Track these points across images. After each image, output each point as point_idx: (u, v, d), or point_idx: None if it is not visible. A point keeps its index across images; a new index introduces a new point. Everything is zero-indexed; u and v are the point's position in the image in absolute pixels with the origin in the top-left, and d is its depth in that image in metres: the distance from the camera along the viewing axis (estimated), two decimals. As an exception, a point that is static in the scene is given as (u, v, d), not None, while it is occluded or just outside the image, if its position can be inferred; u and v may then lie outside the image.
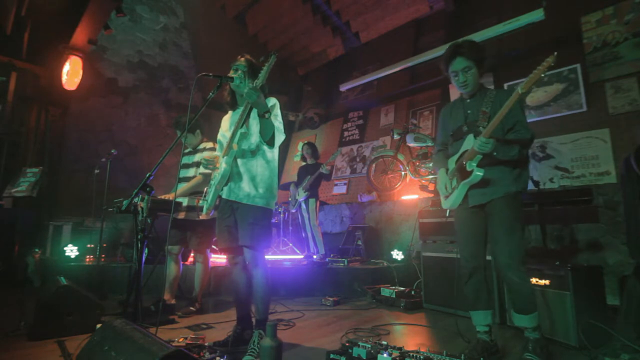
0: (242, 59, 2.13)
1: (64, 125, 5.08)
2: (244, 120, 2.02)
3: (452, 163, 2.05)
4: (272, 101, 2.07)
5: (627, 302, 2.08)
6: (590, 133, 3.90)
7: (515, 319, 1.88)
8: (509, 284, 1.88)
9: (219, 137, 2.25)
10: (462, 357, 1.52)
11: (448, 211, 2.27)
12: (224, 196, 2.06)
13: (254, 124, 2.03)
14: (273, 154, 2.11)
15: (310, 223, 4.78)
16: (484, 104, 1.95)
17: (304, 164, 5.15)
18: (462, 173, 1.93)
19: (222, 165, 2.00)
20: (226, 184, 2.04)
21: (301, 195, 4.77)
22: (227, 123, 2.23)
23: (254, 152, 2.05)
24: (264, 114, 1.91)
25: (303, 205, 4.86)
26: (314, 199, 4.80)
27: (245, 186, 2.00)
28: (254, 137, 2.04)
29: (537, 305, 1.85)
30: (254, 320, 2.07)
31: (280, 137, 2.04)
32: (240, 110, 2.11)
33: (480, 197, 1.93)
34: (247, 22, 6.71)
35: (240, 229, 1.99)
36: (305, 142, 5.25)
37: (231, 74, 2.09)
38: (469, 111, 2.05)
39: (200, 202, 2.15)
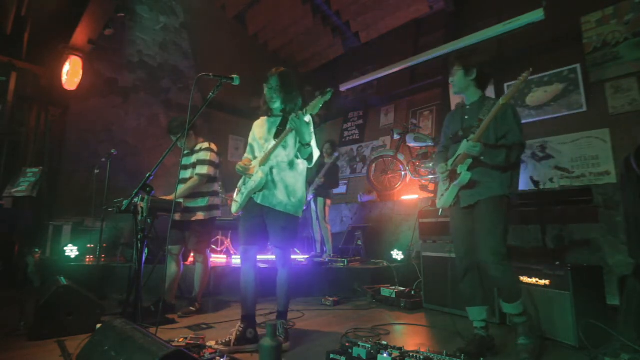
0: (276, 72, 2.19)
1: (64, 125, 5.07)
2: (282, 135, 2.09)
3: (449, 165, 2.17)
4: (307, 118, 2.10)
5: (627, 302, 2.09)
6: (590, 133, 3.91)
7: (504, 307, 2.03)
8: (491, 278, 1.99)
9: (251, 140, 2.33)
10: (462, 357, 1.52)
11: (441, 210, 2.54)
12: (258, 201, 2.15)
13: (291, 137, 2.14)
14: (305, 165, 2.24)
15: (319, 222, 4.73)
16: (482, 112, 2.05)
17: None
18: (454, 175, 2.09)
19: (259, 174, 2.10)
20: (260, 191, 2.14)
21: (309, 193, 4.70)
22: (260, 129, 2.29)
23: (289, 164, 2.16)
24: (305, 145, 2.06)
25: (312, 205, 4.81)
26: (323, 198, 4.73)
27: (280, 194, 2.12)
28: (290, 150, 2.16)
29: (521, 293, 1.99)
30: (276, 313, 2.18)
31: (316, 154, 2.19)
32: (275, 120, 2.24)
33: (469, 198, 2.06)
34: (247, 22, 6.70)
35: (271, 232, 2.15)
36: (329, 140, 5.13)
37: (265, 92, 2.20)
38: (466, 117, 2.19)
39: (233, 200, 2.28)
